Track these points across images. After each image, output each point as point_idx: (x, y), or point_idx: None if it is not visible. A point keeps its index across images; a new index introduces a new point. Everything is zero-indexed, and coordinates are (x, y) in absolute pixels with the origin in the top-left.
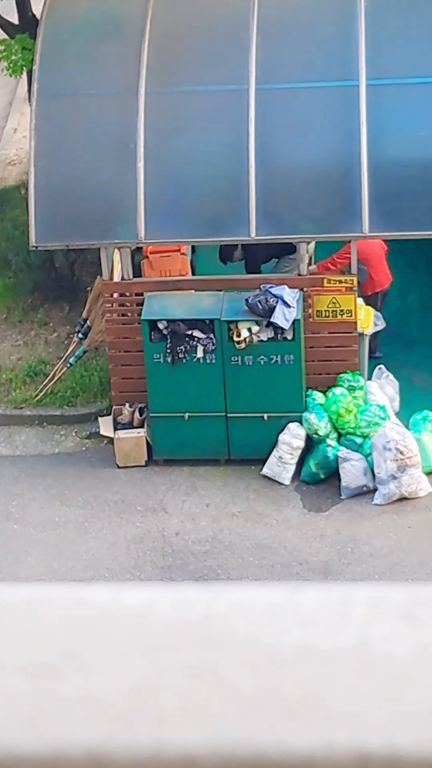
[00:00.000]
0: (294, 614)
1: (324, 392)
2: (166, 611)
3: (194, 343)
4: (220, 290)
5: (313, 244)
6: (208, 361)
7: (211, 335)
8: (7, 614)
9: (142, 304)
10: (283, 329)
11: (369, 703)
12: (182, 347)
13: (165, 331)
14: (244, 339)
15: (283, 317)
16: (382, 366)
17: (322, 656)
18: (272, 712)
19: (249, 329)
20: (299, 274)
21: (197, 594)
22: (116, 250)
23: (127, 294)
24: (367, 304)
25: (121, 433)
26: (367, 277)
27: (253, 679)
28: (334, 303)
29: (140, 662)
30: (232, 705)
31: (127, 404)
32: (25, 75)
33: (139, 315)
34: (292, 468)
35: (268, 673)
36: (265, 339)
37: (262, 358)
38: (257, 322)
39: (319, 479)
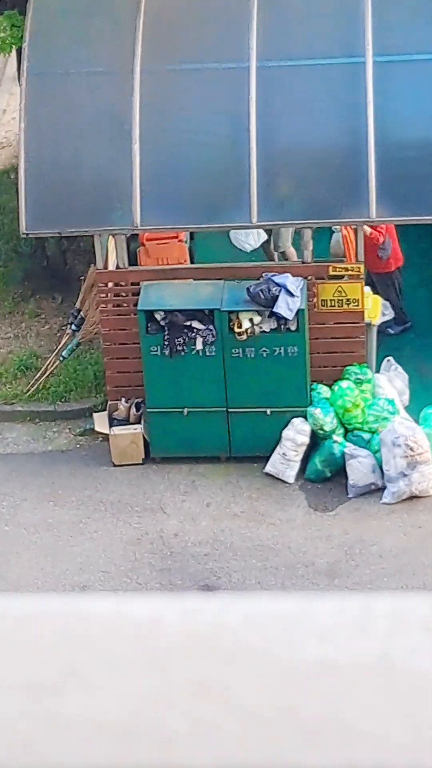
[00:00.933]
0: (310, 626)
1: (330, 386)
2: (173, 624)
3: (193, 334)
4: (220, 279)
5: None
6: (207, 353)
7: (211, 326)
8: (2, 628)
9: (138, 294)
10: (286, 320)
11: (392, 723)
12: (180, 339)
13: (162, 322)
14: (246, 330)
15: (286, 307)
16: (390, 358)
17: (341, 672)
18: (288, 733)
19: (251, 320)
20: (303, 262)
21: (206, 605)
22: (111, 238)
23: (123, 283)
24: (388, 282)
25: (117, 430)
26: (391, 251)
27: (267, 698)
28: (339, 292)
29: (146, 679)
30: (245, 725)
31: (123, 399)
32: (14, 53)
33: (135, 305)
34: (297, 465)
35: (284, 691)
36: (267, 330)
37: (264, 350)
38: (259, 313)
39: (325, 477)
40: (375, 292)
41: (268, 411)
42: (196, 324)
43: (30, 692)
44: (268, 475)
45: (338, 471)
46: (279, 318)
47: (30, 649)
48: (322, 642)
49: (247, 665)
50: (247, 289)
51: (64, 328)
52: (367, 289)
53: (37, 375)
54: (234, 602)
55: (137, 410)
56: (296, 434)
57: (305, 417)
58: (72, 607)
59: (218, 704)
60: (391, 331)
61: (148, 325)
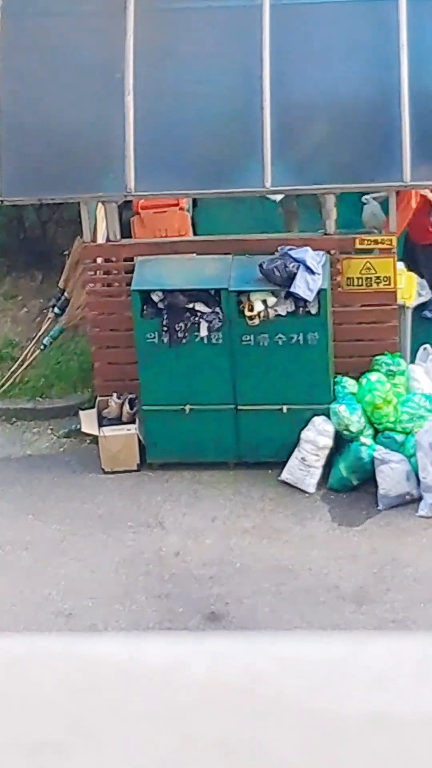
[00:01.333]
0: (360, 674)
1: (357, 379)
2: (197, 671)
3: (196, 319)
4: (227, 253)
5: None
6: (213, 341)
7: (218, 309)
8: None
9: (131, 272)
10: (305, 301)
11: None
12: (182, 324)
13: (160, 305)
14: (258, 314)
15: (305, 286)
16: (427, 346)
17: (396, 727)
18: None
19: (264, 301)
20: (325, 233)
21: (236, 647)
22: (100, 206)
23: (114, 259)
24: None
25: (107, 431)
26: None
27: (309, 758)
28: (368, 268)
29: (164, 736)
30: None
31: (115, 395)
32: None
33: (129, 285)
34: (318, 472)
35: (328, 750)
36: (283, 313)
37: (279, 337)
38: (274, 293)
39: (351, 486)
40: (410, 268)
41: (284, 408)
42: (199, 306)
43: (28, 752)
44: (284, 483)
45: (367, 479)
46: (297, 299)
47: (27, 701)
48: (374, 692)
49: (285, 720)
50: (260, 265)
51: (45, 311)
52: (401, 266)
53: (14, 367)
54: (269, 644)
55: (131, 408)
56: (317, 436)
57: (328, 415)
58: (76, 650)
59: (252, 764)
60: (429, 314)
61: (144, 307)
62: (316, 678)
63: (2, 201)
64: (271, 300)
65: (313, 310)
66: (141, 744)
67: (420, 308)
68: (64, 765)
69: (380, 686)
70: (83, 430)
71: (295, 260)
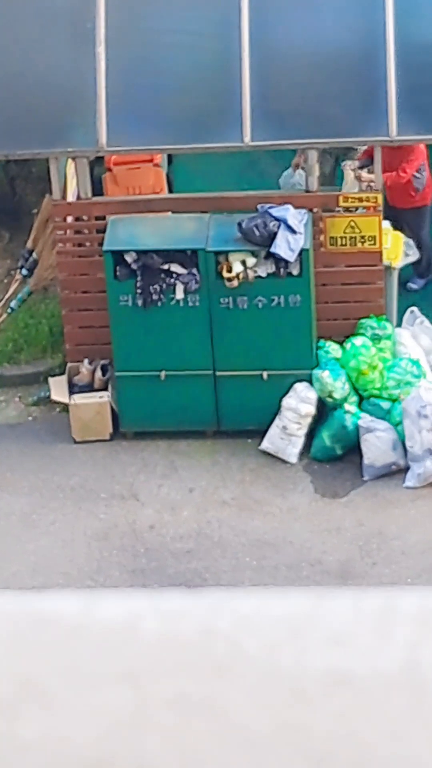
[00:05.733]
0: (321, 630)
1: (341, 343)
2: (153, 628)
3: (172, 280)
4: (205, 212)
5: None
6: (190, 303)
7: (194, 270)
8: None
9: (103, 231)
10: (286, 262)
11: (417, 745)
12: (156, 286)
13: (134, 266)
14: (237, 275)
15: (286, 246)
16: (414, 308)
17: (357, 685)
18: (292, 759)
19: (243, 262)
20: (307, 190)
21: (193, 604)
22: (70, 162)
23: (85, 218)
24: (425, 217)
25: (78, 398)
26: (426, 182)
27: (267, 717)
28: (352, 227)
29: (119, 694)
30: (240, 749)
31: (86, 361)
32: None
33: (101, 245)
34: (300, 441)
35: (287, 708)
36: (263, 275)
37: (260, 300)
38: (254, 253)
39: (335, 456)
40: (396, 228)
41: (265, 374)
42: (175, 267)
43: None
44: (264, 453)
45: (351, 448)
46: (278, 260)
47: None
48: (334, 649)
49: (243, 678)
50: (239, 224)
51: (12, 273)
52: (387, 224)
53: None
54: (227, 601)
55: (103, 374)
56: (299, 403)
57: (310, 381)
58: (29, 607)
59: (207, 725)
60: (413, 286)
61: (117, 269)
62: (274, 635)
63: None
64: (251, 261)
65: (295, 271)
66: (94, 704)
67: (407, 269)
68: (15, 726)
69: (339, 643)
70: (53, 397)
71: (276, 219)
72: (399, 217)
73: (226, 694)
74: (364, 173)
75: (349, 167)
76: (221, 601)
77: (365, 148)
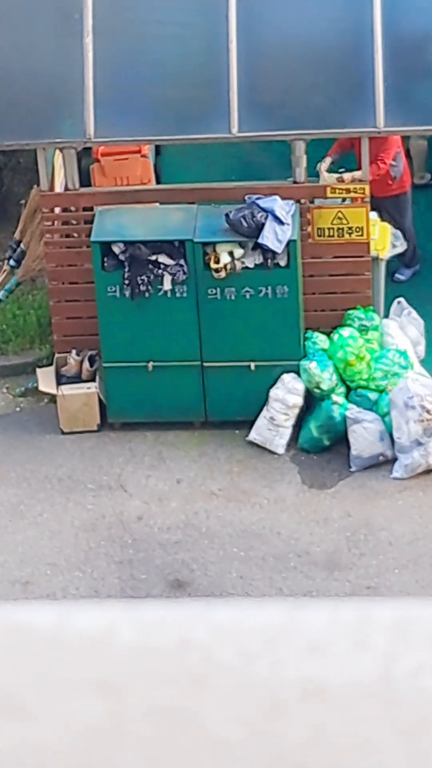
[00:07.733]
0: (296, 640)
1: (328, 334)
2: (129, 638)
3: (160, 271)
4: (192, 203)
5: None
6: (177, 294)
7: (182, 261)
8: None
9: (91, 222)
10: (274, 253)
11: (393, 755)
12: (144, 277)
13: (122, 257)
14: (225, 266)
15: (274, 237)
16: (402, 299)
17: (332, 695)
18: (267, 767)
19: (230, 253)
20: (295, 181)
21: (169, 614)
22: (58, 152)
23: (73, 209)
24: (405, 205)
25: (66, 389)
26: (403, 169)
27: (243, 727)
28: (340, 219)
29: (94, 705)
30: (216, 759)
31: (74, 351)
32: None
33: (88, 236)
34: (288, 432)
35: (263, 719)
36: (251, 266)
37: (247, 291)
38: (241, 244)
39: (323, 447)
40: (382, 219)
41: (252, 365)
42: (163, 258)
43: None
44: (252, 444)
45: (339, 439)
46: (265, 251)
47: None
48: (309, 659)
49: (219, 688)
50: (226, 215)
51: (0, 263)
52: (374, 215)
53: None
54: (202, 612)
55: (91, 365)
56: (286, 394)
57: (298, 372)
58: (4, 618)
59: (183, 736)
60: (401, 277)
61: (104, 260)
62: (249, 645)
63: None
64: (238, 251)
65: (282, 262)
66: (69, 714)
67: (394, 260)
68: None
69: (315, 653)
70: (40, 388)
71: (263, 210)
72: (380, 206)
73: (201, 705)
74: (346, 176)
75: (323, 168)
76: (197, 611)
77: (336, 141)
